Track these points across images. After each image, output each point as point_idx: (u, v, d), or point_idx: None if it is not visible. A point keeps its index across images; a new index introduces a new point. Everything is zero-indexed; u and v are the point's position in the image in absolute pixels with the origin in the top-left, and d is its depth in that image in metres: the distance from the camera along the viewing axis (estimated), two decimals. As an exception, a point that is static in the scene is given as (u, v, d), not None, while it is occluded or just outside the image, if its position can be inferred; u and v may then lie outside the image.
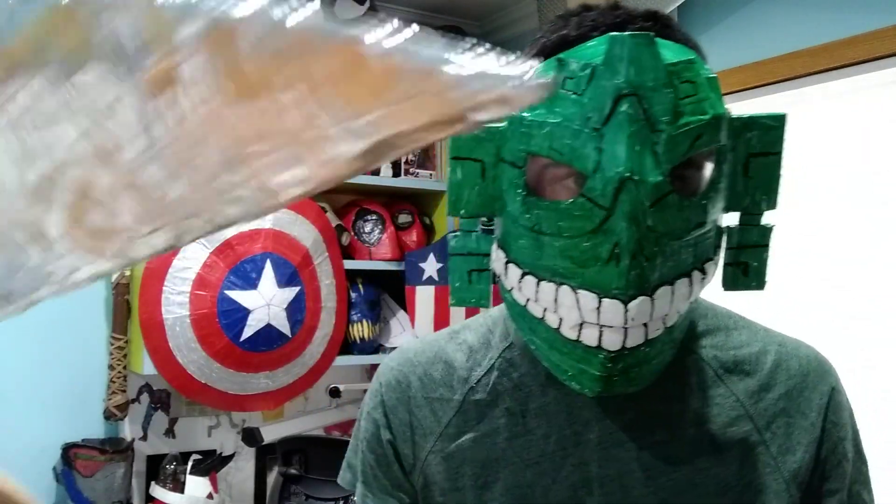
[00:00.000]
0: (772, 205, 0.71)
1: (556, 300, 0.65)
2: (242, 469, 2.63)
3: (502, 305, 0.80)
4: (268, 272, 2.25)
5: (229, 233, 2.22)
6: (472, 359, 0.81)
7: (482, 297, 0.73)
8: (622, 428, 0.74)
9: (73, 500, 2.18)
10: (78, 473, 2.18)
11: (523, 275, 0.68)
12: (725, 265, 0.72)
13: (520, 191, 0.66)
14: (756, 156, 0.69)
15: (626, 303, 0.62)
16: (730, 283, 0.72)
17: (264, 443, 2.34)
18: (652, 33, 0.62)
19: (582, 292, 0.64)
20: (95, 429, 2.40)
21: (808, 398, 0.76)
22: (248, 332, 2.21)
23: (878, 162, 1.91)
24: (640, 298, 0.63)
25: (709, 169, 0.66)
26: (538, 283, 0.66)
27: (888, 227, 1.88)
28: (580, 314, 0.64)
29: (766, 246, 0.71)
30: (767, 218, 0.72)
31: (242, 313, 2.20)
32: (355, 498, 0.87)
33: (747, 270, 0.71)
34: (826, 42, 1.95)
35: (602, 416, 0.74)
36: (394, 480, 0.83)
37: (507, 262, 0.69)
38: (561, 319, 0.66)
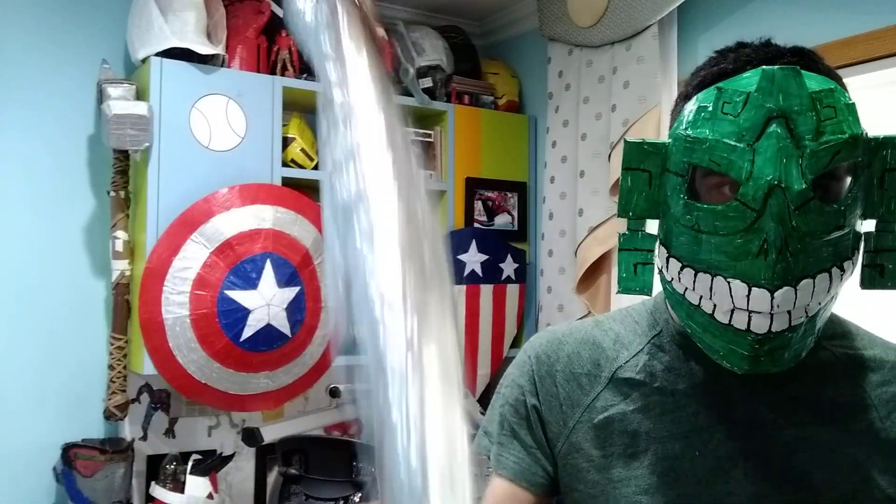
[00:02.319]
0: None
1: (711, 289, 0.77)
2: (242, 469, 2.63)
3: (646, 300, 0.94)
4: (268, 272, 2.25)
5: (229, 233, 2.22)
6: (619, 342, 0.92)
7: (645, 286, 0.84)
8: (766, 409, 0.84)
9: (73, 500, 2.18)
10: (78, 473, 2.18)
11: (682, 267, 0.79)
12: (863, 267, 0.81)
13: (682, 196, 0.78)
14: (891, 170, 0.78)
15: (772, 292, 0.73)
16: (867, 283, 0.81)
17: (264, 443, 2.34)
18: (798, 66, 0.74)
19: (734, 282, 0.75)
20: (95, 429, 2.40)
21: None
22: (248, 332, 2.21)
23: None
24: (785, 288, 0.73)
25: (847, 180, 0.77)
26: (696, 275, 0.78)
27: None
28: (732, 301, 0.75)
29: None
30: None
31: (242, 313, 2.20)
32: (491, 460, 0.95)
33: (883, 272, 0.80)
34: (826, 42, 1.95)
35: (748, 397, 0.84)
36: (536, 439, 0.92)
37: (668, 257, 0.82)
38: (715, 306, 0.77)
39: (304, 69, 2.53)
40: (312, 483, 2.34)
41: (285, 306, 2.27)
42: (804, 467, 0.82)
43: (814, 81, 0.75)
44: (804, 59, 0.79)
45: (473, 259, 2.72)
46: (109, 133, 2.14)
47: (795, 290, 0.73)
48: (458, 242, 2.71)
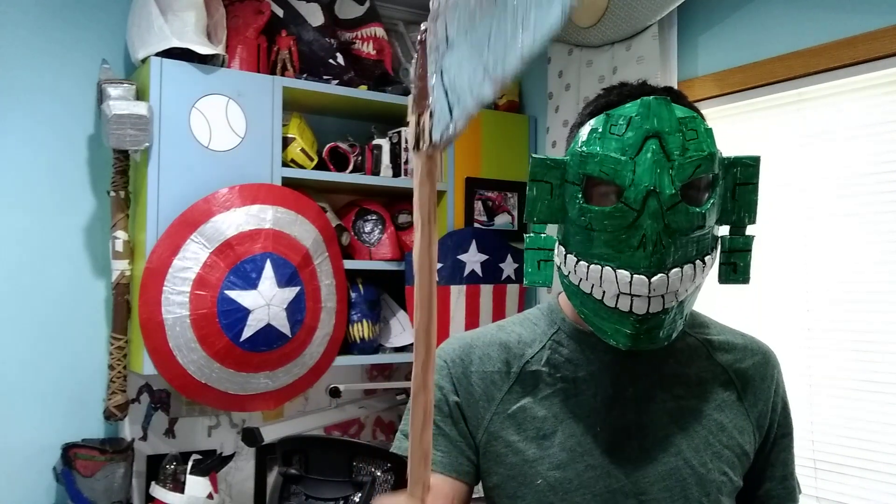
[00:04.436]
0: (752, 220, 0.98)
1: (601, 278, 0.93)
2: (242, 469, 2.63)
3: (540, 305, 1.12)
4: (268, 272, 2.25)
5: (229, 233, 2.22)
6: (522, 342, 1.07)
7: (547, 280, 0.99)
8: (650, 386, 1.02)
9: (73, 500, 2.18)
10: (78, 473, 2.18)
11: (578, 261, 0.96)
12: (720, 265, 0.99)
13: (577, 200, 0.95)
14: (740, 184, 0.97)
15: (649, 278, 0.90)
16: (724, 279, 0.99)
17: (264, 443, 2.34)
18: (669, 97, 0.92)
19: (619, 271, 0.91)
20: (95, 429, 2.40)
21: (766, 370, 1.10)
22: (248, 332, 2.21)
23: (877, 161, 1.90)
24: (660, 275, 0.90)
25: (706, 191, 0.95)
26: (588, 267, 0.94)
27: (886, 225, 1.88)
28: (618, 287, 0.92)
29: (749, 250, 0.98)
30: (750, 230, 0.98)
31: (242, 313, 2.20)
32: None
33: (736, 269, 0.98)
34: (826, 42, 1.95)
35: (635, 379, 1.02)
36: (461, 432, 1.04)
37: (566, 255, 0.98)
38: (604, 292, 0.94)
39: (304, 69, 2.53)
40: (312, 483, 2.33)
41: (285, 306, 2.27)
42: (682, 433, 1.01)
43: (679, 111, 0.93)
44: (672, 95, 0.98)
45: (473, 259, 2.72)
46: (109, 133, 2.14)
47: (668, 277, 0.91)
48: (458, 242, 2.71)
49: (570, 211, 0.96)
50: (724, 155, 0.96)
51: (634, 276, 0.90)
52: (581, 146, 0.95)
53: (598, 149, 0.92)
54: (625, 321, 0.93)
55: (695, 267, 0.93)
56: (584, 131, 0.95)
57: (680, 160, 0.90)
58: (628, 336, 0.93)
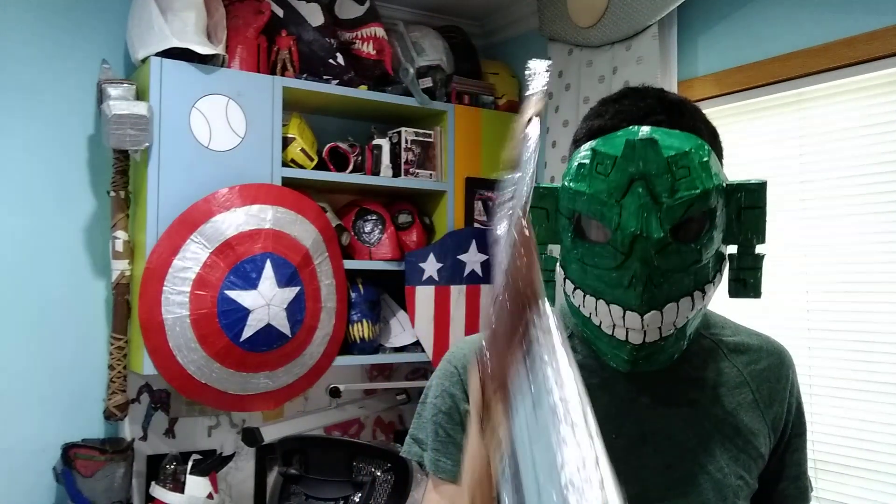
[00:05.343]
0: (761, 240, 0.95)
1: (596, 309, 0.93)
2: (242, 469, 2.63)
3: (553, 308, 1.06)
4: (268, 272, 2.25)
5: (229, 233, 2.22)
6: None
7: (550, 299, 0.95)
8: (665, 392, 1.00)
9: (73, 500, 2.18)
10: (78, 473, 2.18)
11: (575, 288, 0.96)
12: (730, 280, 0.96)
13: (569, 234, 0.95)
14: (745, 208, 0.94)
15: (642, 315, 0.89)
16: (734, 293, 0.97)
17: (264, 443, 2.34)
18: (656, 137, 0.87)
19: (613, 306, 0.91)
20: (95, 429, 2.40)
21: (781, 370, 1.07)
22: (248, 332, 2.21)
23: (877, 161, 1.90)
24: (653, 312, 0.89)
25: (705, 222, 0.91)
26: (584, 296, 0.94)
27: (886, 225, 1.88)
28: (612, 319, 0.92)
29: (759, 269, 0.96)
30: (759, 248, 0.95)
31: (242, 313, 2.20)
32: (426, 465, 1.06)
33: (746, 285, 0.96)
34: (826, 42, 1.95)
35: (649, 384, 1.00)
36: None
37: (565, 278, 0.99)
38: (600, 321, 0.94)
39: (304, 69, 2.53)
40: (312, 483, 2.34)
41: (285, 306, 2.27)
42: (698, 438, 0.99)
43: (676, 140, 0.88)
44: (672, 115, 0.93)
45: (473, 259, 2.72)
46: (109, 133, 2.14)
47: (662, 313, 0.89)
48: (458, 242, 2.71)
49: (563, 240, 0.97)
50: (728, 181, 0.94)
51: (627, 312, 0.89)
52: (570, 181, 0.93)
53: (585, 187, 0.90)
54: (622, 348, 0.93)
55: (692, 299, 0.91)
56: (575, 163, 0.93)
57: (669, 202, 0.87)
58: (626, 361, 0.93)
